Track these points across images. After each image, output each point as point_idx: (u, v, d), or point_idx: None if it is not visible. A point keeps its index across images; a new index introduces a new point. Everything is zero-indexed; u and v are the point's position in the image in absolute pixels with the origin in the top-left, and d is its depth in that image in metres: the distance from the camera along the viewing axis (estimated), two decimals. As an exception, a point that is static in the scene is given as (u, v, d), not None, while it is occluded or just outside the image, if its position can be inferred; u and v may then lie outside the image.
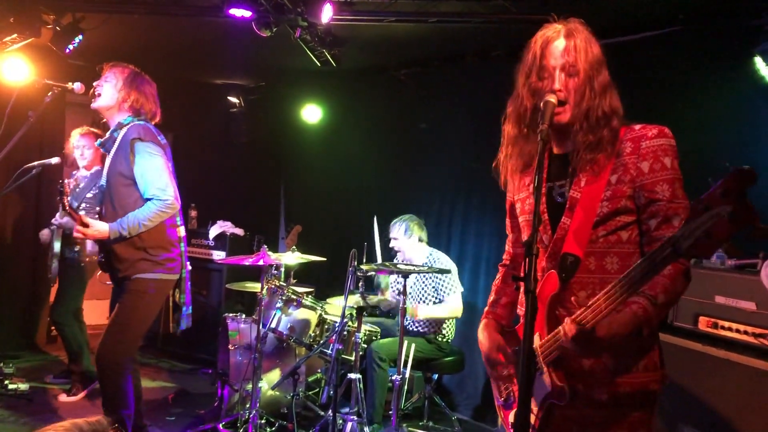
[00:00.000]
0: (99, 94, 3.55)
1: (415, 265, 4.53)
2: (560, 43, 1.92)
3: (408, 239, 4.90)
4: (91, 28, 4.65)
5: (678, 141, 1.88)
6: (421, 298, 4.76)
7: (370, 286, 5.23)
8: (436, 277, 4.71)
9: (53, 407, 4.70)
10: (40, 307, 6.27)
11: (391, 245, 5.00)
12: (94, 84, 3.58)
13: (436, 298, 4.72)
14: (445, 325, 4.74)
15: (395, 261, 5.02)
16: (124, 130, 3.52)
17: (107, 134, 3.62)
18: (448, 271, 4.56)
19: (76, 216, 3.35)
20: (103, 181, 3.61)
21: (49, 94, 3.74)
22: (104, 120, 3.67)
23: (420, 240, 4.92)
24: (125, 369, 3.51)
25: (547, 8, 4.05)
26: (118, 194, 3.48)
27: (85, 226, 3.33)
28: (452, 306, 4.65)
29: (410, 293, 4.83)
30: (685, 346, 3.02)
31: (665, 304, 1.78)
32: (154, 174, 3.47)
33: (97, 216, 3.64)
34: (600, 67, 1.92)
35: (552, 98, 1.86)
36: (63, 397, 4.85)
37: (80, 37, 4.61)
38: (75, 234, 3.36)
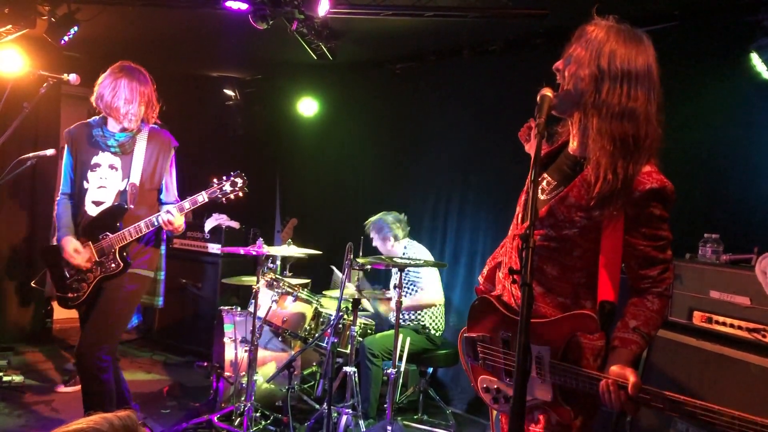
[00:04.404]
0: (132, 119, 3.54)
1: (411, 259, 4.53)
2: None
3: (381, 240, 4.94)
4: (86, 19, 4.62)
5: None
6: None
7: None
8: (410, 270, 4.72)
9: (47, 399, 4.69)
10: (34, 300, 6.26)
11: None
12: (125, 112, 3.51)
13: (413, 290, 4.76)
14: (427, 316, 4.75)
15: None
16: (145, 132, 3.58)
17: (125, 136, 3.58)
18: (444, 265, 4.55)
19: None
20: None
21: (45, 85, 3.73)
22: (102, 114, 3.59)
23: (395, 238, 4.93)
24: (110, 367, 3.51)
25: (544, 3, 4.05)
26: (150, 195, 3.60)
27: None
28: (430, 294, 4.69)
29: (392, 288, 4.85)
30: (679, 341, 3.04)
31: (653, 337, 1.91)
32: (174, 181, 3.72)
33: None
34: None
35: (548, 92, 1.86)
36: (60, 388, 4.84)
37: (75, 28, 4.58)
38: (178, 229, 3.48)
